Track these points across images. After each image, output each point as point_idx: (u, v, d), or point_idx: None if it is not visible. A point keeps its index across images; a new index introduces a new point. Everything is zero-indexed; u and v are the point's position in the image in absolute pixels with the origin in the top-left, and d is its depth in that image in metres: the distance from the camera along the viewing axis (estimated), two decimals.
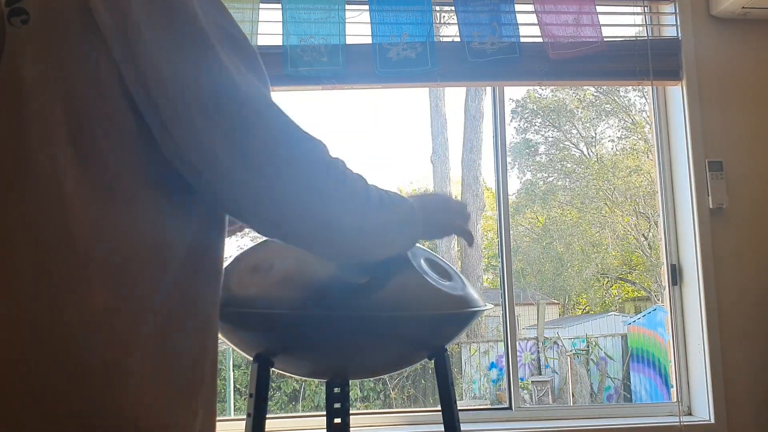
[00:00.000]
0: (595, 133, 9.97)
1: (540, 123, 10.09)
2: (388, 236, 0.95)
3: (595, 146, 10.00)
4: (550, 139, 10.15)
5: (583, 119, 9.90)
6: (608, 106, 9.77)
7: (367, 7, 2.49)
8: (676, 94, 2.67)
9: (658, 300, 8.44)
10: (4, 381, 0.68)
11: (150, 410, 0.72)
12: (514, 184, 10.12)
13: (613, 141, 9.93)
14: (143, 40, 0.72)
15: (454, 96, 8.81)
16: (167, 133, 0.73)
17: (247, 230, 1.21)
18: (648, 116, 8.86)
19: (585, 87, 9.05)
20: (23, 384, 0.68)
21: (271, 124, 0.78)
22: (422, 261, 1.21)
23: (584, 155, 10.06)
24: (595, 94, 9.64)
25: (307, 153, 0.81)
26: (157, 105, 0.72)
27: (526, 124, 10.06)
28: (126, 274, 0.72)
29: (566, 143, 10.06)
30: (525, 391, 6.86)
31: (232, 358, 5.77)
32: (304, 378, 4.14)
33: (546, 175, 10.19)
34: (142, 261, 0.73)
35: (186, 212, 0.79)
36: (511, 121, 9.85)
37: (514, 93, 10.19)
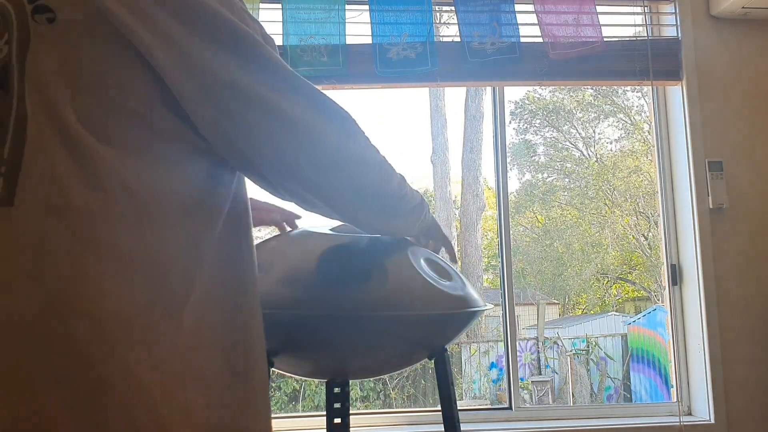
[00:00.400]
0: (595, 134, 9.98)
1: (539, 123, 10.09)
2: (402, 212, 1.04)
3: (594, 146, 10.01)
4: (549, 140, 10.15)
5: (582, 119, 9.90)
6: (607, 106, 9.77)
7: (367, 7, 2.49)
8: (676, 94, 2.67)
9: (658, 300, 8.44)
10: (32, 376, 0.67)
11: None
12: (514, 184, 10.13)
13: (611, 142, 9.94)
14: (182, 44, 0.74)
15: (454, 96, 8.82)
16: (219, 126, 0.77)
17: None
18: (647, 116, 8.87)
19: (583, 87, 9.05)
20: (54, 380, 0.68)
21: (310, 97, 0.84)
22: (422, 261, 1.21)
23: (584, 155, 10.06)
24: (594, 94, 9.64)
25: (341, 121, 0.87)
26: (218, 105, 0.76)
27: (525, 125, 10.06)
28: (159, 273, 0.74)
29: (566, 143, 10.06)
30: (525, 391, 6.86)
31: None
32: (304, 378, 4.14)
33: (546, 175, 10.20)
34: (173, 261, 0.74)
35: (214, 215, 0.80)
36: (510, 122, 9.86)
37: (513, 94, 10.20)
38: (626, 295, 9.93)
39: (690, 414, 2.57)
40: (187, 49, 0.74)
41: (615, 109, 9.78)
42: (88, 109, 0.72)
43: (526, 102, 9.91)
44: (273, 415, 2.51)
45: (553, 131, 10.04)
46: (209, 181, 0.80)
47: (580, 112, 9.86)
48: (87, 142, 0.71)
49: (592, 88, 9.17)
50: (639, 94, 9.13)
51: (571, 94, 9.65)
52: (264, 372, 0.84)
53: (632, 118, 9.73)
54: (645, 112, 9.36)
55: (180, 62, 0.74)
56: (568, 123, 9.90)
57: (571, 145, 10.02)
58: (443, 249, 1.28)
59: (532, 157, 10.07)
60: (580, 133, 9.95)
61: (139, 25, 0.72)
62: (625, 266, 9.69)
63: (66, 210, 0.69)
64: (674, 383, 2.66)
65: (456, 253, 1.27)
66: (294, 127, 0.80)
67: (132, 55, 0.73)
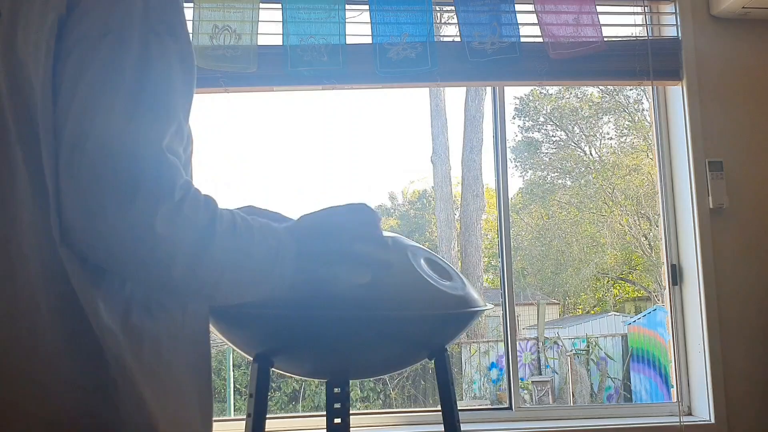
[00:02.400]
0: (598, 133, 9.97)
1: (542, 121, 10.09)
2: (235, 274, 0.78)
3: (596, 145, 10.01)
4: (552, 138, 10.15)
5: (585, 117, 9.90)
6: (608, 104, 9.77)
7: (367, 7, 2.49)
8: (676, 94, 2.67)
9: (658, 300, 8.44)
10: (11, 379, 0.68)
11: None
12: (515, 183, 10.14)
13: (612, 138, 9.93)
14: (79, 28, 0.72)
15: (454, 96, 8.82)
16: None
17: None
18: (649, 114, 8.86)
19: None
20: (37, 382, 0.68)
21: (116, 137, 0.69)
22: (422, 261, 1.21)
23: (585, 154, 10.06)
24: (599, 93, 9.64)
25: (151, 170, 0.69)
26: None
27: (529, 123, 10.07)
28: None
29: (568, 142, 10.06)
30: (525, 391, 6.86)
31: (232, 358, 5.77)
32: (304, 378, 4.14)
33: (546, 174, 10.20)
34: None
35: None
36: (513, 118, 9.86)
37: (517, 90, 10.20)
38: (626, 295, 9.93)
39: (690, 414, 2.57)
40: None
41: (617, 107, 9.78)
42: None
43: (531, 98, 9.91)
44: (273, 415, 2.52)
45: (556, 129, 10.04)
46: None
47: (584, 111, 9.85)
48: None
49: (596, 87, 9.16)
50: (642, 91, 9.13)
51: (573, 91, 9.64)
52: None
53: (634, 117, 9.73)
54: (647, 110, 9.36)
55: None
56: (572, 122, 9.90)
57: (573, 144, 10.02)
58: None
59: (533, 155, 10.07)
60: (582, 132, 9.95)
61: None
62: (625, 266, 9.70)
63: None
64: (674, 383, 2.66)
65: (367, 275, 0.96)
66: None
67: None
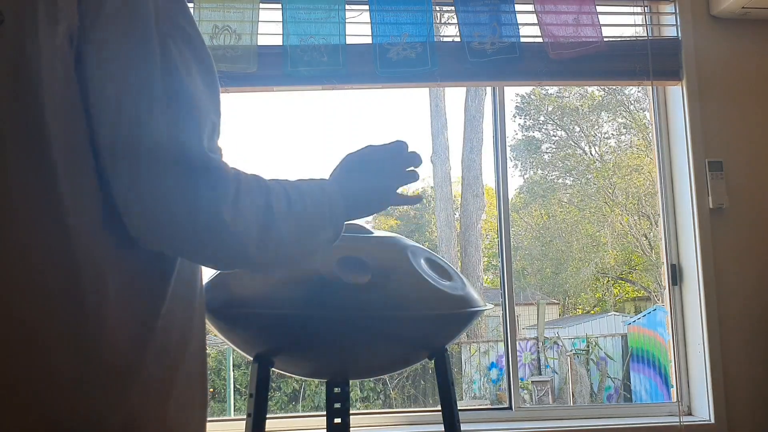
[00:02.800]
0: (599, 132, 9.97)
1: (543, 120, 10.09)
2: (299, 243, 0.85)
3: (597, 145, 10.00)
4: (553, 138, 10.15)
5: (587, 117, 9.90)
6: (609, 104, 9.77)
7: (367, 7, 2.49)
8: (676, 94, 2.67)
9: (658, 300, 8.44)
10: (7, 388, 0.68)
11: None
12: (515, 183, 10.13)
13: (611, 137, 9.93)
14: (99, 35, 0.72)
15: (454, 96, 8.82)
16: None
17: None
18: (649, 114, 8.85)
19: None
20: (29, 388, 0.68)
21: (173, 136, 0.73)
22: (422, 261, 1.21)
23: (585, 154, 10.06)
24: (600, 93, 9.64)
25: (202, 169, 0.74)
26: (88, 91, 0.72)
27: (531, 122, 10.06)
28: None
29: (569, 141, 10.06)
30: (525, 391, 6.86)
31: (232, 358, 5.77)
32: (304, 378, 4.14)
33: (546, 173, 10.20)
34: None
35: None
36: (513, 117, 9.86)
37: (518, 89, 10.19)
38: (626, 295, 9.93)
39: (690, 414, 2.57)
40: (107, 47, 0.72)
41: (618, 106, 9.78)
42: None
43: (533, 97, 9.91)
44: (273, 415, 2.52)
45: (557, 129, 10.04)
46: None
47: (585, 109, 9.85)
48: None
49: (597, 86, 9.16)
50: (643, 91, 9.13)
51: (577, 90, 9.64)
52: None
53: (634, 116, 9.72)
54: (647, 110, 9.36)
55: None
56: (573, 121, 9.90)
57: (573, 143, 10.02)
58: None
59: (533, 155, 10.07)
60: (583, 131, 9.95)
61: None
62: (625, 266, 9.70)
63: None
64: (674, 383, 2.66)
65: (418, 199, 1.06)
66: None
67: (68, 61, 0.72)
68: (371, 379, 6.04)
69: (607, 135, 9.94)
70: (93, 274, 0.71)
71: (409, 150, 1.01)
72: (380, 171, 0.98)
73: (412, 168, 1.01)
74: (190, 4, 2.38)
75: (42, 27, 0.71)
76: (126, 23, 0.74)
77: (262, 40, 2.44)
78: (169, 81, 0.74)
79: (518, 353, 2.67)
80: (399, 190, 1.01)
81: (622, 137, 9.90)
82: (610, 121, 9.91)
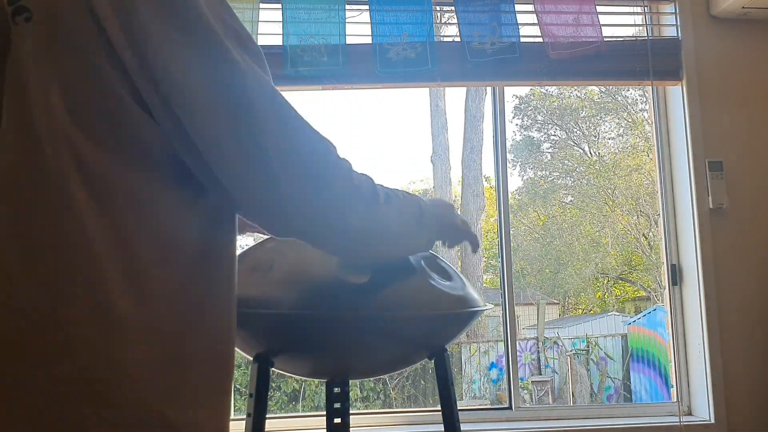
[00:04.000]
0: (598, 132, 9.97)
1: (542, 121, 10.09)
2: (398, 237, 0.95)
3: (597, 145, 10.00)
4: (552, 138, 10.15)
5: (586, 117, 9.90)
6: (610, 104, 9.77)
7: (367, 7, 2.49)
8: (676, 94, 2.67)
9: (658, 300, 8.44)
10: (19, 377, 0.68)
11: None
12: (515, 182, 10.13)
13: (612, 138, 9.93)
14: (151, 40, 0.71)
15: (454, 96, 8.82)
16: (181, 129, 0.73)
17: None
18: (649, 114, 8.86)
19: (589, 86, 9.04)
20: (36, 381, 0.68)
21: (280, 120, 0.76)
22: (422, 261, 1.21)
23: (585, 154, 10.05)
24: (600, 93, 9.64)
25: (313, 151, 0.80)
26: (169, 102, 0.72)
27: (529, 122, 10.06)
28: (137, 272, 0.73)
29: (568, 142, 10.06)
30: (525, 391, 6.86)
31: None
32: (304, 378, 4.14)
33: (547, 173, 10.20)
34: (151, 258, 0.73)
35: (194, 208, 0.79)
36: (513, 118, 9.85)
37: (517, 89, 10.20)
38: (626, 295, 9.93)
39: (690, 414, 2.57)
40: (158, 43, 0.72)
41: (617, 107, 9.78)
42: (76, 108, 0.72)
43: (532, 98, 9.91)
44: (273, 415, 2.52)
45: (556, 129, 10.04)
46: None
47: (585, 110, 9.85)
48: (83, 145, 0.71)
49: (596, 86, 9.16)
50: (642, 91, 9.13)
51: (576, 91, 9.64)
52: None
53: (634, 117, 9.72)
54: (647, 110, 9.36)
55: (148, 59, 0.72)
56: (572, 121, 9.90)
57: (573, 143, 10.02)
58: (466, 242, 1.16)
59: (534, 155, 10.07)
60: (583, 132, 9.95)
61: (116, 21, 0.71)
62: (625, 266, 9.70)
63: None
64: (674, 383, 2.66)
65: (478, 244, 1.17)
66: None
67: (106, 57, 0.72)
68: (371, 379, 6.04)
69: (607, 135, 9.95)
70: (108, 277, 0.71)
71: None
72: (452, 212, 1.11)
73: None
74: None
75: (74, 28, 0.71)
76: (192, 34, 0.73)
77: (262, 40, 2.44)
78: (261, 82, 0.77)
79: (518, 353, 2.66)
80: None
81: (622, 137, 9.90)
82: (609, 122, 9.91)
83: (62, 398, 0.67)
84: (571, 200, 9.95)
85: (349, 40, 2.46)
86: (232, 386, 0.85)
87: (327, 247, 0.91)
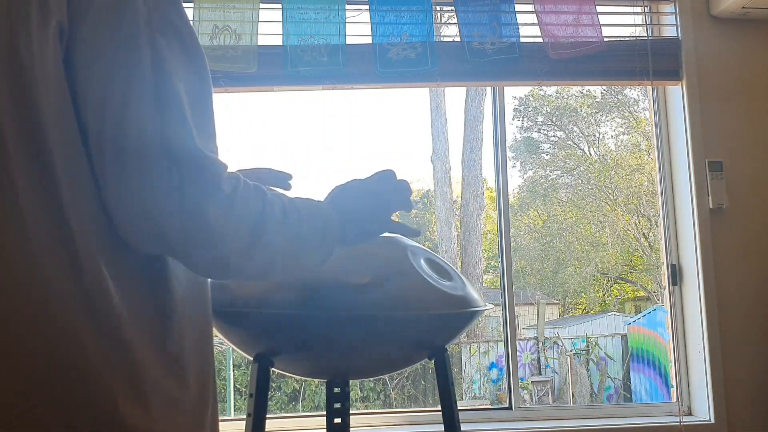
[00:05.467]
0: (598, 132, 9.97)
1: (542, 121, 10.09)
2: (288, 256, 0.83)
3: (597, 145, 10.00)
4: (552, 138, 10.15)
5: (585, 117, 9.90)
6: (611, 103, 9.77)
7: (367, 7, 2.49)
8: (676, 94, 2.67)
9: (658, 300, 8.44)
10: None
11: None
12: (515, 182, 10.13)
13: (612, 137, 9.93)
14: (84, 27, 0.72)
15: (454, 96, 8.82)
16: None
17: None
18: (649, 114, 8.86)
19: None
20: (19, 378, 0.68)
21: (162, 132, 0.72)
22: (422, 261, 1.21)
23: (585, 153, 10.05)
24: (601, 92, 9.63)
25: (193, 167, 0.72)
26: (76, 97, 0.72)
27: (529, 123, 10.06)
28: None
29: (568, 142, 10.06)
30: (525, 391, 6.86)
31: (232, 358, 5.77)
32: (304, 378, 4.13)
33: (547, 173, 10.20)
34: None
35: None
36: (513, 119, 9.85)
37: (517, 90, 10.20)
38: (626, 295, 9.93)
39: (690, 414, 2.57)
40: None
41: (618, 105, 9.77)
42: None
43: (531, 98, 9.90)
44: (273, 415, 2.52)
45: (556, 129, 10.04)
46: None
47: (584, 110, 9.85)
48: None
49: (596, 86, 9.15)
50: (642, 90, 9.13)
51: (576, 90, 9.63)
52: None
53: (635, 116, 9.72)
54: (647, 110, 9.36)
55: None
56: (571, 121, 9.90)
57: (573, 144, 10.02)
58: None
59: (534, 155, 10.07)
60: (582, 132, 9.95)
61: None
62: (625, 266, 9.69)
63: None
64: (674, 383, 2.66)
65: (416, 232, 1.06)
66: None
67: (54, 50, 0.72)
68: (371, 379, 6.05)
69: (608, 135, 9.95)
70: (96, 275, 0.71)
71: (398, 177, 1.01)
72: (370, 196, 0.97)
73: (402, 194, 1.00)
74: (190, 4, 2.38)
75: (34, 25, 0.71)
76: (114, 20, 0.73)
77: (262, 40, 2.44)
78: (158, 78, 0.73)
79: (518, 353, 2.66)
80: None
81: (623, 138, 9.90)
82: (610, 122, 9.90)
83: None
84: (571, 200, 9.95)
85: (349, 40, 2.46)
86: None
87: (205, 270, 0.81)
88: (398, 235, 1.28)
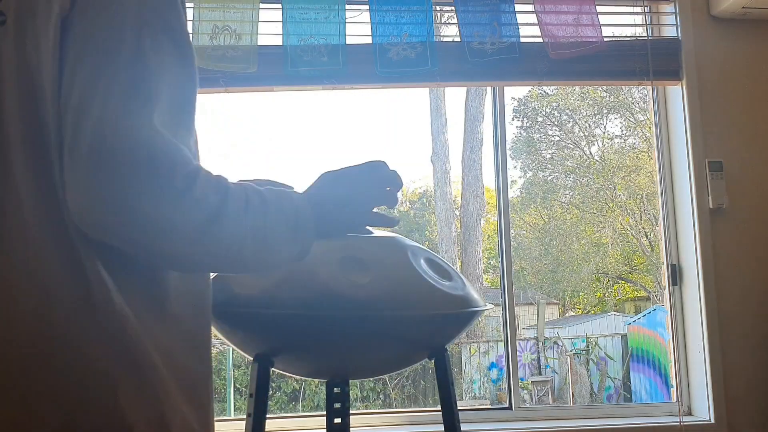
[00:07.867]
0: (599, 132, 9.97)
1: (542, 121, 10.09)
2: (257, 249, 0.80)
3: (597, 145, 10.00)
4: (552, 138, 10.14)
5: (585, 117, 9.90)
6: (611, 104, 9.77)
7: (367, 7, 2.49)
8: (676, 94, 2.67)
9: (658, 300, 8.44)
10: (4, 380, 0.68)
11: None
12: (515, 182, 10.13)
13: (612, 138, 9.93)
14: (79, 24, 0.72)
15: (454, 96, 8.82)
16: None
17: None
18: (649, 114, 8.85)
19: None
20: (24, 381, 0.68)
21: (125, 118, 0.70)
22: (422, 261, 1.21)
23: (585, 154, 10.05)
24: (601, 93, 9.63)
25: (142, 161, 0.69)
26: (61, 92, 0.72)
27: (528, 123, 10.06)
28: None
29: (567, 142, 10.06)
30: (525, 391, 6.86)
31: (232, 358, 5.78)
32: (304, 378, 4.13)
33: (547, 173, 10.20)
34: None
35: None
36: (512, 119, 9.85)
37: (517, 91, 10.20)
38: (626, 295, 9.93)
39: (690, 414, 2.57)
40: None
41: (618, 105, 9.77)
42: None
43: (530, 99, 9.90)
44: (273, 415, 2.52)
45: (555, 129, 10.04)
46: None
47: (584, 110, 9.85)
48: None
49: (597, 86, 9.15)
50: (643, 90, 9.13)
51: (576, 90, 9.63)
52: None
53: (635, 116, 9.72)
54: (648, 110, 9.36)
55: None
56: (571, 121, 9.89)
57: (573, 144, 10.02)
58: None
59: (533, 155, 10.07)
60: (582, 132, 9.95)
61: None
62: (625, 266, 9.70)
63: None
64: (674, 383, 2.66)
65: (394, 221, 0.98)
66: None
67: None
68: (371, 379, 6.05)
69: (608, 136, 9.94)
70: (95, 273, 0.71)
71: (390, 169, 0.96)
72: (354, 186, 0.93)
73: (389, 188, 0.95)
74: (190, 4, 2.38)
75: (41, 27, 0.71)
76: (105, 11, 0.73)
77: (262, 40, 2.44)
78: (132, 70, 0.71)
79: (518, 353, 2.67)
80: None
81: (623, 138, 9.90)
82: (610, 122, 9.91)
83: None
84: (571, 200, 9.95)
85: (349, 40, 2.46)
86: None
87: (168, 261, 0.78)
88: (398, 235, 1.28)
